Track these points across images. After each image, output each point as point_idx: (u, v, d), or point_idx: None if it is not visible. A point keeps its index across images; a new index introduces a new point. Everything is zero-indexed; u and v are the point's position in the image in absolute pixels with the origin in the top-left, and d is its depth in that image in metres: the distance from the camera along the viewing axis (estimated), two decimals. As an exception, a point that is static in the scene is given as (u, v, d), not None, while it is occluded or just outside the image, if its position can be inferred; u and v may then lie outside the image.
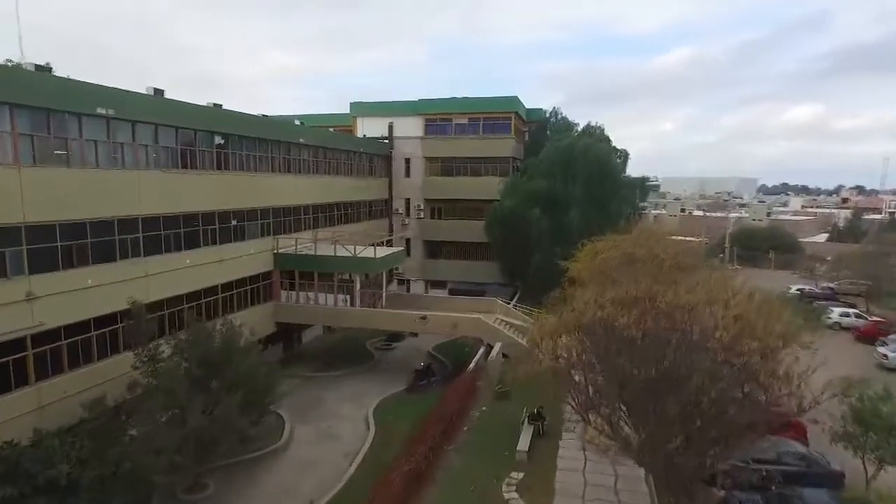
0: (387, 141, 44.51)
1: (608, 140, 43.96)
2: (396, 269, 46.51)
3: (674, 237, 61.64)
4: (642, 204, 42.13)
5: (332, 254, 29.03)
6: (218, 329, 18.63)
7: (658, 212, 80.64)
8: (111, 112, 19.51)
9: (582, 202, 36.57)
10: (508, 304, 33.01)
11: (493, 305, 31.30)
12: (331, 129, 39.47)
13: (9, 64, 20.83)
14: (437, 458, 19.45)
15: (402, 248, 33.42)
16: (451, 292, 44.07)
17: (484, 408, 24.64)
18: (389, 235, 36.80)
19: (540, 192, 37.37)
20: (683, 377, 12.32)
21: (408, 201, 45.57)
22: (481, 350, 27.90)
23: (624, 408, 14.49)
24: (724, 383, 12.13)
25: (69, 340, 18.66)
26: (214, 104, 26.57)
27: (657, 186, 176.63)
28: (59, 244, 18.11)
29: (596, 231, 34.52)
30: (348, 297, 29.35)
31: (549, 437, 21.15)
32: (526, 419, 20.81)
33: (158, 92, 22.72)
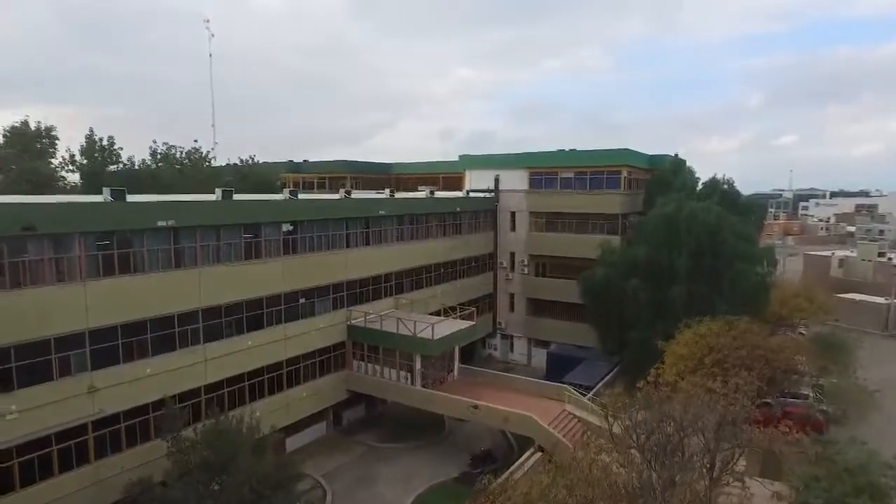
0: (491, 195, 44.06)
1: (738, 195, 37.90)
2: (500, 324, 45.74)
3: (852, 297, 51.21)
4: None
5: (395, 330, 29.44)
6: (233, 425, 20.03)
7: (846, 254, 65.85)
8: (172, 223, 22.35)
9: (688, 276, 32.03)
10: (585, 393, 30.20)
11: (563, 393, 28.90)
12: (424, 193, 40.07)
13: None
14: None
15: (472, 324, 32.43)
16: (551, 355, 41.84)
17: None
18: (460, 308, 36.03)
19: (640, 260, 33.65)
20: None
21: (512, 255, 44.55)
22: (528, 453, 25.82)
23: None
24: None
25: (128, 423, 21.74)
26: (346, 161, 28.04)
27: (874, 206, 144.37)
28: (119, 342, 21.22)
29: (706, 309, 30.17)
30: (409, 374, 29.50)
31: None
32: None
33: (227, 194, 25.31)
